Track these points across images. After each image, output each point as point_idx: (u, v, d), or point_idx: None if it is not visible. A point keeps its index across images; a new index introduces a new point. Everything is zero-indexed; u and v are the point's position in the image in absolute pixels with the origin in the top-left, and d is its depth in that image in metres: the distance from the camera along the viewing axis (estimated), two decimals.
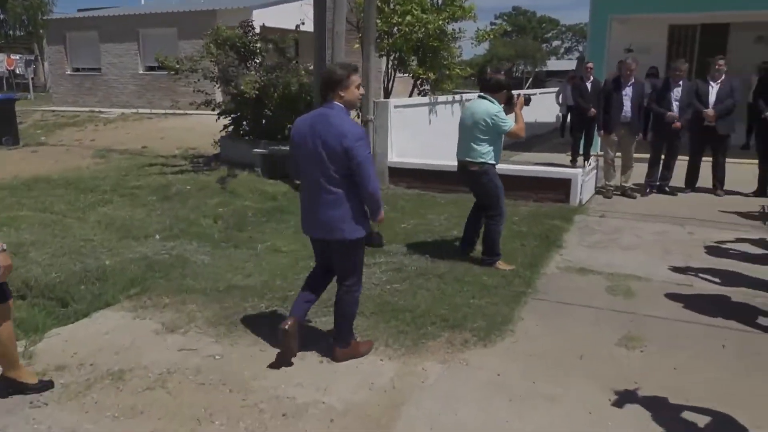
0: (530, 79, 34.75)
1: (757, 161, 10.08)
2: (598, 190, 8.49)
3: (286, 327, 3.54)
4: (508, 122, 5.15)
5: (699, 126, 8.21)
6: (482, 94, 5.35)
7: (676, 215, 7.34)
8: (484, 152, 5.22)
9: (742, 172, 9.78)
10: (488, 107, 5.14)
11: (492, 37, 10.24)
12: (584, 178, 7.78)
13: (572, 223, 6.91)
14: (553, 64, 54.47)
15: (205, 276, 5.16)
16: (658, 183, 8.48)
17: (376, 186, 3.39)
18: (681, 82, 8.16)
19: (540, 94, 16.87)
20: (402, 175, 8.62)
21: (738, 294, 4.88)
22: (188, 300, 4.67)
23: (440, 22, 9.15)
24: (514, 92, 5.56)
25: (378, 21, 9.39)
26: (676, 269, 5.46)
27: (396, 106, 8.74)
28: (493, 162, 5.30)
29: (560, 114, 15.96)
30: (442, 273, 5.21)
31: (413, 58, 9.94)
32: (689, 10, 11.02)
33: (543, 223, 6.80)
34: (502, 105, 5.28)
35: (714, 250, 6.01)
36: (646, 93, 9.13)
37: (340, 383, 3.50)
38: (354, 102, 3.44)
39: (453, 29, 9.83)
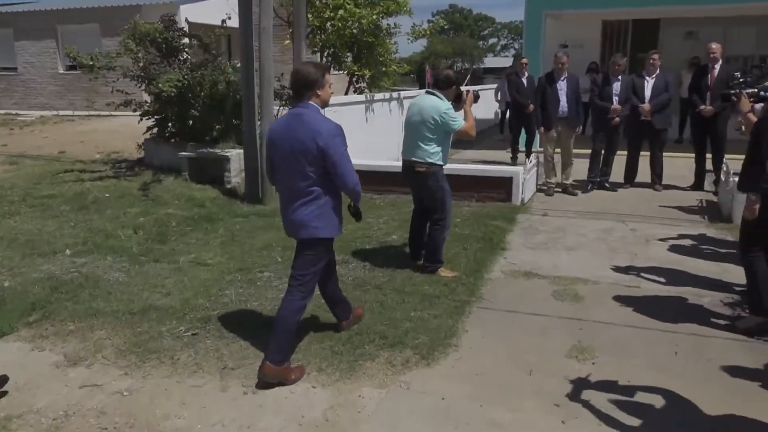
0: (468, 76, 35.04)
1: (692, 155, 10.26)
2: (540, 188, 8.34)
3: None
4: (458, 120, 4.83)
5: (636, 121, 8.17)
6: (430, 90, 5.06)
7: (618, 211, 7.23)
8: (432, 152, 4.87)
9: (678, 166, 9.85)
10: (437, 104, 4.80)
11: (428, 33, 9.95)
12: (525, 176, 7.59)
13: (515, 224, 6.70)
14: (491, 61, 55.09)
15: (119, 296, 4.64)
16: (598, 179, 8.39)
17: (355, 180, 3.33)
18: (620, 77, 8.10)
19: (479, 91, 16.75)
20: None
21: (685, 294, 4.73)
22: (96, 325, 4.15)
23: (374, 17, 8.80)
24: (463, 88, 5.23)
25: (309, 15, 8.97)
26: (622, 269, 5.29)
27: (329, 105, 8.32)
28: (441, 163, 4.95)
29: (499, 111, 15.94)
30: (381, 283, 4.87)
31: (348, 54, 9.55)
32: (621, 5, 11.08)
33: (486, 224, 6.55)
34: (451, 102, 4.95)
35: (658, 248, 5.89)
36: (585, 88, 9.07)
37: (266, 419, 3.09)
38: (327, 101, 3.39)
39: (388, 24, 9.50)
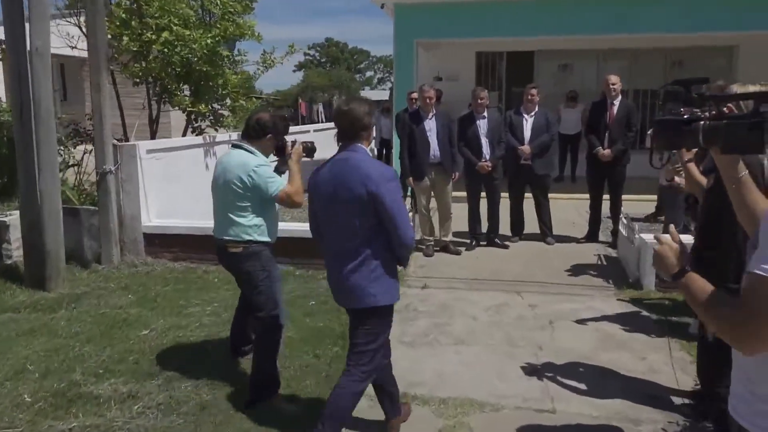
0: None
1: (577, 196, 9.34)
2: (417, 247, 6.89)
3: None
4: (276, 181, 3.43)
5: (515, 164, 6.99)
6: (237, 142, 3.64)
7: (511, 276, 5.94)
8: (249, 226, 3.47)
9: (564, 209, 8.88)
10: (245, 160, 3.44)
11: (281, 62, 8.37)
12: None
13: None
14: (368, 95, 54.76)
15: None
16: (483, 233, 7.11)
17: (412, 234, 2.83)
18: (486, 114, 6.87)
19: (310, 142, 15.40)
20: (165, 243, 6.33)
21: (616, 418, 3.37)
22: None
23: (209, 41, 7.06)
24: (290, 139, 3.75)
25: (125, 37, 7.08)
26: (527, 375, 3.89)
27: (150, 151, 6.44)
28: (266, 240, 3.54)
29: (373, 148, 14.60)
30: (193, 411, 3.10)
31: (183, 86, 7.72)
32: (492, 34, 10.12)
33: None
34: (273, 157, 3.63)
35: (565, 333, 4.58)
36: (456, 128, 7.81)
37: None
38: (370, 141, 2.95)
39: (230, 51, 7.80)
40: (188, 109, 7.28)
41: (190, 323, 4.68)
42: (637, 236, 5.66)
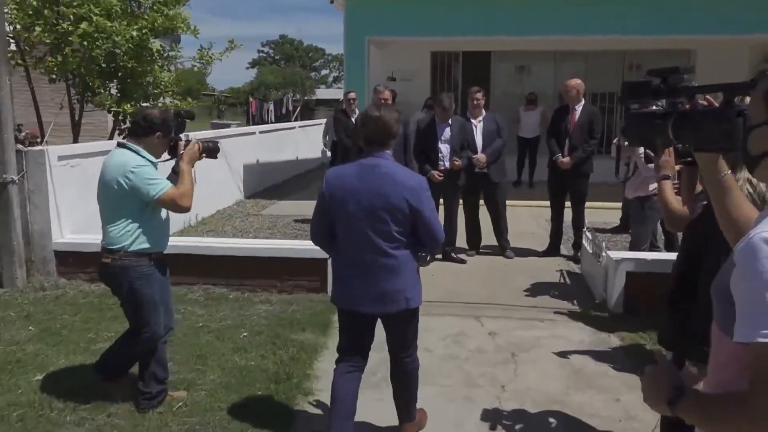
0: (298, 108, 33.04)
1: (535, 203, 8.91)
2: None
3: None
4: (159, 184, 3.14)
5: (469, 174, 6.49)
6: (122, 141, 3.34)
7: (469, 298, 5.41)
8: (121, 234, 3.18)
9: (521, 218, 8.46)
10: (125, 160, 3.16)
11: (220, 59, 7.66)
12: None
13: (331, 334, 4.56)
14: (323, 93, 53.80)
15: None
16: (443, 249, 6.57)
17: (443, 236, 2.93)
18: (450, 121, 6.36)
19: (300, 127, 14.71)
20: (80, 262, 5.56)
21: None
22: None
23: (134, 34, 6.30)
24: (186, 136, 3.38)
25: (36, 28, 6.26)
26: (488, 424, 3.35)
27: (63, 157, 5.67)
28: (145, 249, 3.21)
29: (326, 150, 13.91)
30: None
31: (109, 84, 6.93)
32: (448, 34, 9.63)
33: (286, 341, 4.33)
34: (164, 157, 3.36)
35: (529, 369, 4.06)
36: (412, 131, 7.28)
37: None
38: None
39: (162, 46, 7.04)
40: (112, 109, 6.49)
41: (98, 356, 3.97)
42: (604, 254, 5.21)
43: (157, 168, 3.22)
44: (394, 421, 3.20)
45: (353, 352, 2.98)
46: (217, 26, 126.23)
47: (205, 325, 4.61)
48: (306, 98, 50.01)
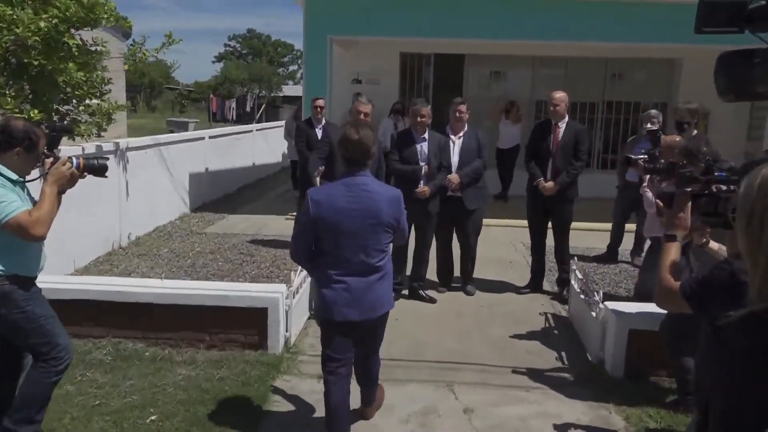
0: (263, 106, 31.68)
1: (510, 221, 8.08)
2: (311, 316, 5.29)
3: None
4: (7, 206, 2.73)
5: (441, 197, 5.61)
6: None
7: (439, 354, 4.50)
8: None
9: (497, 240, 7.62)
10: None
11: (155, 55, 6.61)
12: (291, 302, 4.54)
13: (267, 411, 3.60)
14: (290, 90, 52.39)
15: None
16: (405, 287, 5.67)
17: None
18: (426, 135, 5.48)
19: (258, 131, 13.63)
20: None
21: None
22: None
23: (42, 25, 5.22)
24: (56, 152, 2.96)
25: None
26: None
27: None
28: (13, 274, 2.84)
29: (287, 154, 12.82)
30: None
31: (11, 84, 5.82)
32: (418, 34, 8.76)
33: (211, 420, 3.36)
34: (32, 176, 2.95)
35: None
36: (380, 141, 6.35)
37: None
38: None
39: (82, 41, 5.97)
40: (12, 111, 5.40)
41: None
42: (601, 306, 4.36)
43: (21, 187, 2.87)
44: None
45: (343, 361, 3.13)
46: (187, 19, 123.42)
47: (104, 402, 3.60)
48: (273, 95, 48.75)
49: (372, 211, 2.96)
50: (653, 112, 6.65)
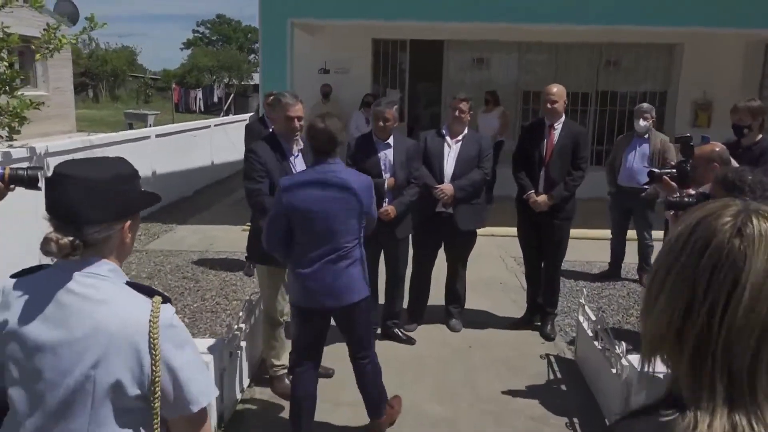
0: (231, 95, 30.28)
1: (496, 229, 7.16)
2: (263, 376, 4.27)
3: None
4: None
5: (428, 213, 4.67)
6: None
7: (419, 426, 3.58)
8: None
9: (485, 253, 6.69)
10: None
11: (76, 41, 5.57)
12: (228, 361, 3.56)
13: None
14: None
15: None
16: (382, 324, 4.72)
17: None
18: (392, 140, 4.48)
19: (217, 125, 12.53)
20: None
21: None
22: None
23: None
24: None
25: None
26: None
27: None
28: None
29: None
30: None
31: None
32: (393, 17, 7.79)
33: None
34: None
35: None
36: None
37: None
38: None
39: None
40: None
41: None
42: (624, 362, 3.46)
43: None
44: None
45: (312, 352, 3.23)
46: (158, 3, 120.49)
47: None
48: (244, 83, 47.26)
49: (344, 198, 3.05)
50: (645, 106, 5.90)
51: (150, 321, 1.37)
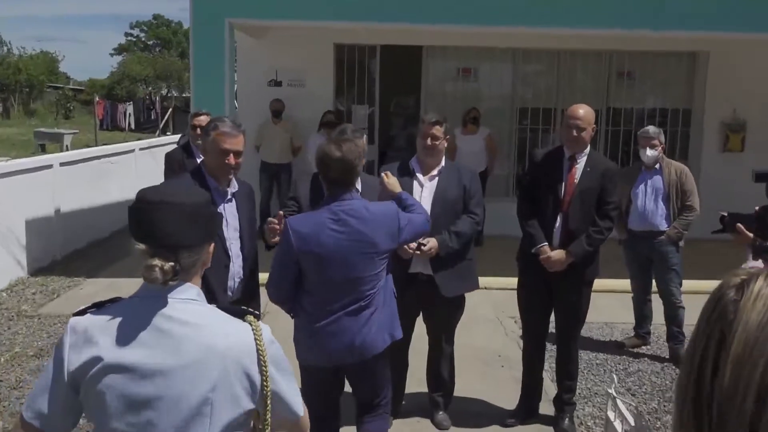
0: (170, 111, 29.40)
1: (490, 280, 6.62)
2: None
3: None
4: None
5: (397, 275, 4.06)
6: None
7: None
8: None
9: (476, 311, 6.17)
10: None
11: None
12: None
13: None
14: None
15: None
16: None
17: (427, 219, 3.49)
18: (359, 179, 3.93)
19: (143, 149, 11.85)
20: None
21: None
22: None
23: None
24: None
25: None
26: None
27: None
28: None
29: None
30: None
31: None
32: (359, 18, 7.38)
33: None
34: None
35: None
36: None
37: None
38: None
39: None
40: None
41: None
42: None
43: None
44: None
45: (333, 415, 3.35)
46: (90, 3, 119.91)
47: None
48: (185, 95, 46.68)
49: (365, 241, 3.04)
50: (651, 130, 5.43)
51: (256, 340, 1.67)
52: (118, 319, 1.63)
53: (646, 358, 5.54)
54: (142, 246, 1.63)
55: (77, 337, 1.62)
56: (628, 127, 9.91)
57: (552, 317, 4.44)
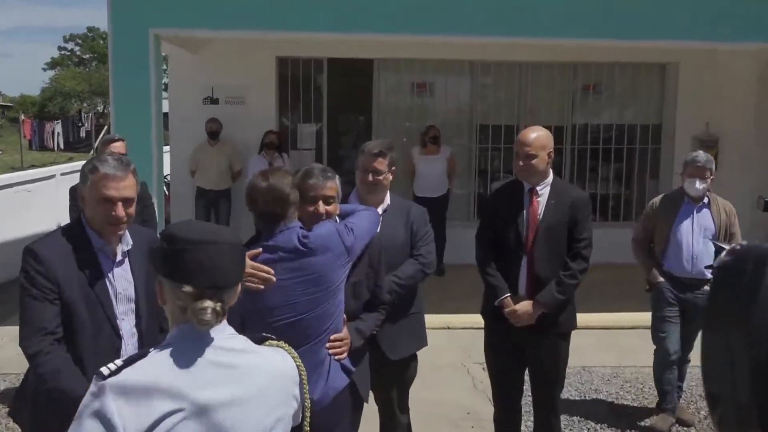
0: (104, 129, 28.38)
1: (455, 317, 6.18)
2: None
3: None
4: None
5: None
6: None
7: None
8: None
9: (443, 359, 5.65)
10: None
11: None
12: None
13: None
14: None
15: None
16: None
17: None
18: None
19: (65, 174, 11.17)
20: None
21: None
22: None
23: None
24: None
25: None
26: None
27: None
28: None
29: None
30: None
31: None
32: (303, 28, 6.97)
33: None
34: None
35: None
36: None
37: None
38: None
39: None
40: None
41: None
42: None
43: None
44: None
45: None
46: (18, 10, 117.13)
47: None
48: None
49: (312, 276, 2.87)
50: (702, 156, 4.63)
51: (297, 366, 1.89)
52: (171, 366, 1.64)
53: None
54: (189, 288, 1.66)
55: (127, 398, 1.58)
56: (595, 145, 9.81)
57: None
